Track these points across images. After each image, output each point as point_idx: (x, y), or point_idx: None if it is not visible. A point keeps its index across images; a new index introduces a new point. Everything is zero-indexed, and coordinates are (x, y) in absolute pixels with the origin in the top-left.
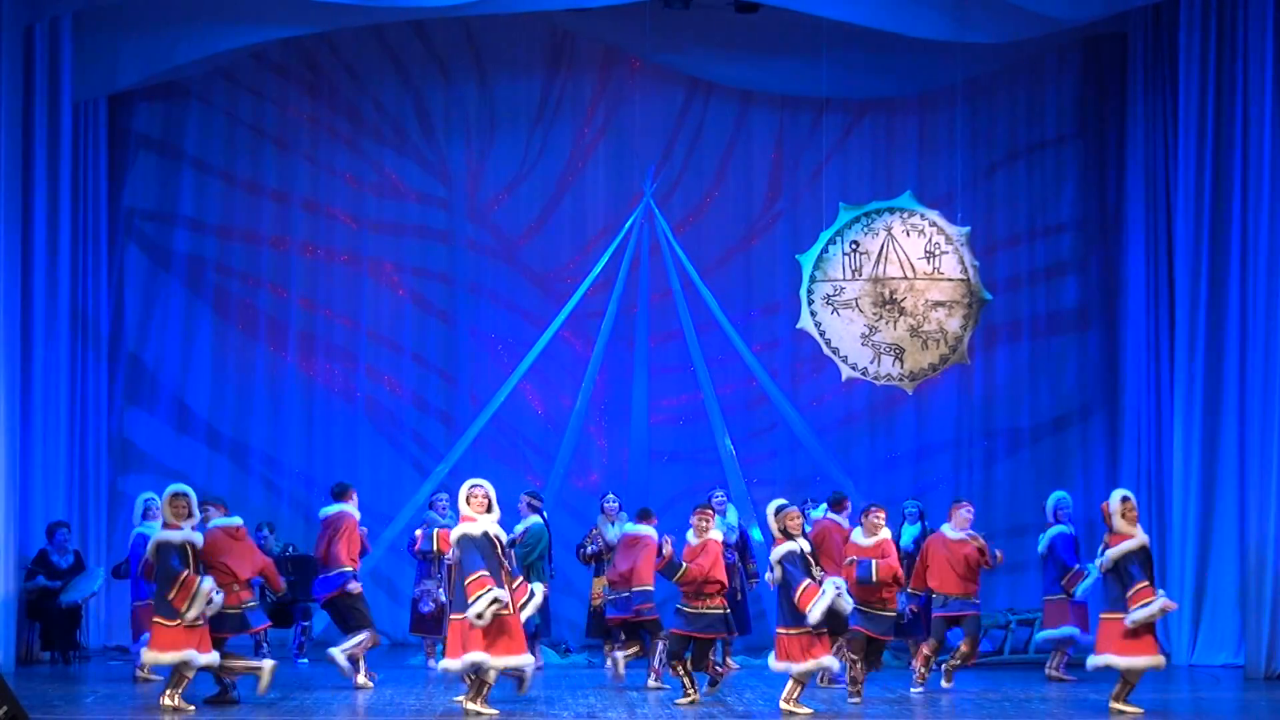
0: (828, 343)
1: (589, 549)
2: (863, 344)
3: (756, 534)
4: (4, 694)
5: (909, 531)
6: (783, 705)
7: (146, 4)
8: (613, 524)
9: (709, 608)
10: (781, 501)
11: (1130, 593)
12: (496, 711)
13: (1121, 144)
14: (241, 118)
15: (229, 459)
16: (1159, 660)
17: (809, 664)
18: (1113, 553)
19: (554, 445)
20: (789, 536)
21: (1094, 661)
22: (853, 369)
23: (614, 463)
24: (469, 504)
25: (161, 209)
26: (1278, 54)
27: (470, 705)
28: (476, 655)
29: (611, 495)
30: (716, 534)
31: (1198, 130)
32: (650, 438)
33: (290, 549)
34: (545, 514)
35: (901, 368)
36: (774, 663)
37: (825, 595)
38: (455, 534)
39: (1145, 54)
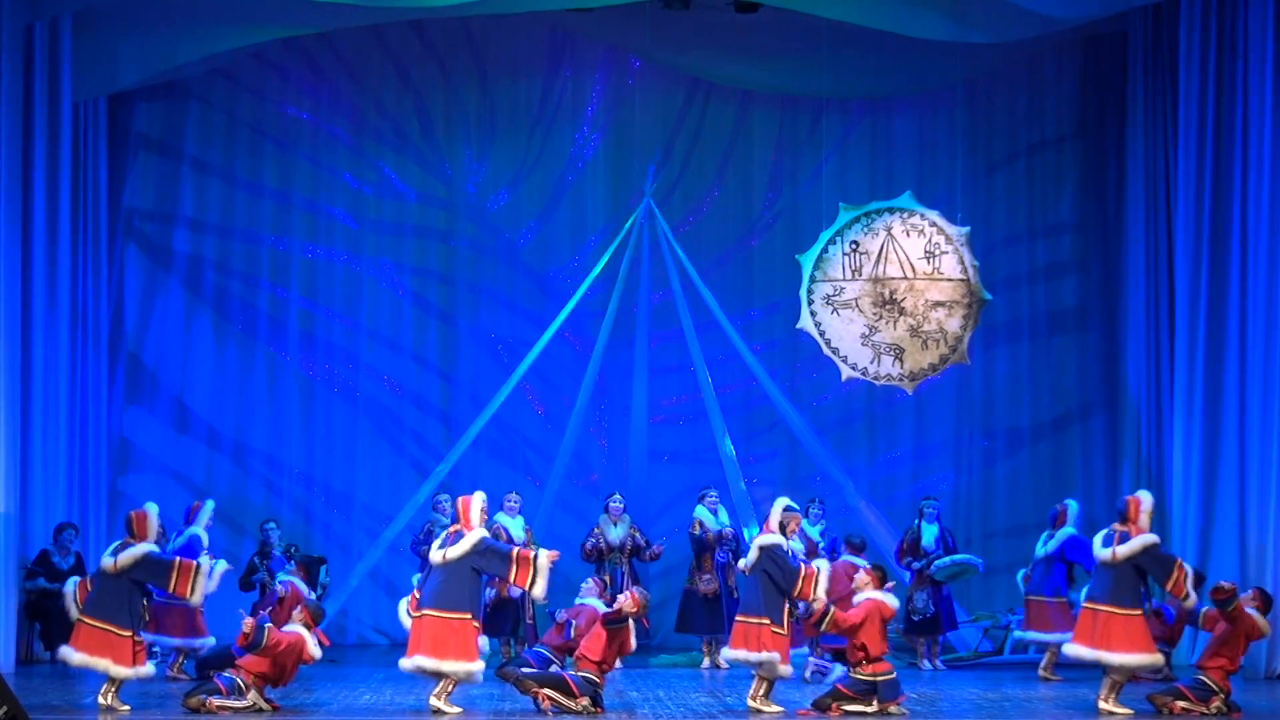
0: (828, 343)
1: (588, 545)
2: (863, 344)
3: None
4: (4, 694)
5: (929, 531)
6: (750, 703)
7: (146, 4)
8: (615, 524)
9: None
10: (789, 502)
11: (1170, 583)
12: (459, 709)
13: (1121, 144)
14: (241, 118)
15: (229, 459)
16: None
17: (763, 655)
18: (1132, 545)
19: (554, 445)
20: (784, 535)
21: (1070, 650)
22: (853, 369)
23: (614, 463)
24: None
25: (161, 209)
26: (1278, 54)
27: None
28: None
29: (618, 495)
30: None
31: (1198, 130)
32: (650, 438)
33: (293, 549)
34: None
35: (901, 368)
36: (729, 651)
37: (824, 573)
38: (479, 536)
39: (1145, 54)
